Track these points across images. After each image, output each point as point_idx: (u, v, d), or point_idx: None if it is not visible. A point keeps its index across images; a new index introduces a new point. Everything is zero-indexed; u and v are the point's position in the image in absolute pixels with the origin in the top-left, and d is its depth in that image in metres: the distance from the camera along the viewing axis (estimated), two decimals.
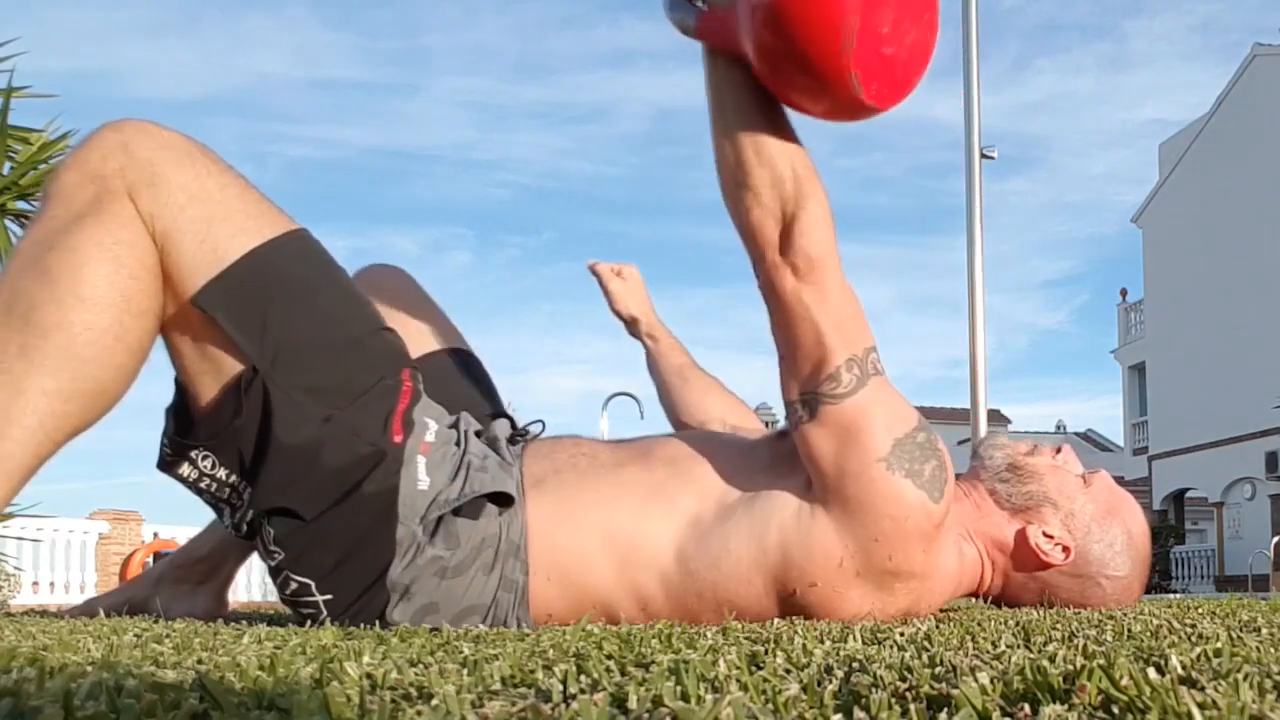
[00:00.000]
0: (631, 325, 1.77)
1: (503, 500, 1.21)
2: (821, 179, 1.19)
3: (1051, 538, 1.35)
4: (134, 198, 1.10)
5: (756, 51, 1.12)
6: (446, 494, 1.18)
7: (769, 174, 1.17)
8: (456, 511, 1.18)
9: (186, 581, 1.57)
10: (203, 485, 1.18)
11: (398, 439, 1.18)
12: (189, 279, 1.12)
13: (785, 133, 1.19)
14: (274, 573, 1.19)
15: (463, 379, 1.53)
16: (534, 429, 1.41)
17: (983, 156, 3.38)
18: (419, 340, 1.54)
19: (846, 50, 1.06)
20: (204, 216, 1.12)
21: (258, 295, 1.13)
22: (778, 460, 1.27)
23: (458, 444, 1.25)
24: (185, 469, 1.17)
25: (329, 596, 1.18)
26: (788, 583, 1.21)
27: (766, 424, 1.76)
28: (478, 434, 1.30)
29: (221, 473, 1.16)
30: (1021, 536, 1.35)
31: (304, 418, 1.13)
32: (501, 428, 1.35)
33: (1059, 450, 1.43)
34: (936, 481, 1.20)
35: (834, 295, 1.18)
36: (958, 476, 1.42)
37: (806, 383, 1.19)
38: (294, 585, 1.18)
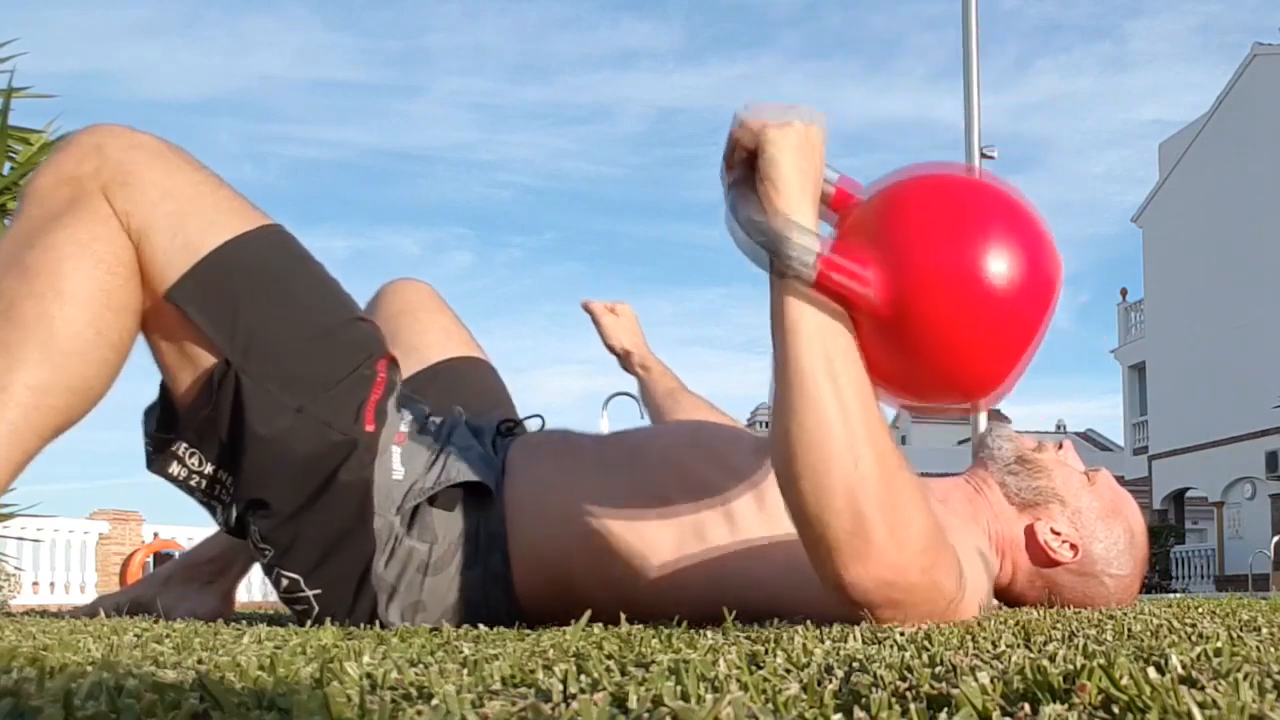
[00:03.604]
0: (625, 359, 1.84)
1: (480, 492, 1.20)
2: None
3: (1059, 535, 1.34)
4: (109, 197, 1.11)
5: (895, 355, 0.98)
6: (422, 483, 1.18)
7: (902, 464, 0.97)
8: (432, 502, 1.18)
9: (195, 580, 1.58)
10: (192, 483, 1.19)
11: (369, 429, 1.17)
12: (163, 274, 1.13)
13: None
14: (266, 570, 1.20)
15: (476, 385, 1.54)
16: (531, 424, 1.41)
17: (983, 156, 3.38)
18: (435, 347, 1.56)
19: (991, 398, 1.05)
20: (177, 212, 1.13)
21: (229, 288, 1.14)
22: None
23: (437, 434, 1.24)
24: (174, 468, 1.18)
25: (318, 592, 1.18)
26: (794, 610, 1.18)
27: (765, 425, 1.76)
28: (466, 424, 1.29)
29: (208, 468, 1.17)
30: (1030, 533, 1.34)
31: (277, 409, 1.13)
32: (490, 420, 1.34)
33: (1060, 446, 1.43)
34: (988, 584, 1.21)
35: (957, 567, 1.03)
36: (962, 473, 1.42)
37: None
38: (285, 582, 1.19)
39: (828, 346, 0.96)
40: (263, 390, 1.13)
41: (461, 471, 1.19)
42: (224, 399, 1.13)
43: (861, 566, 0.95)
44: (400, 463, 1.18)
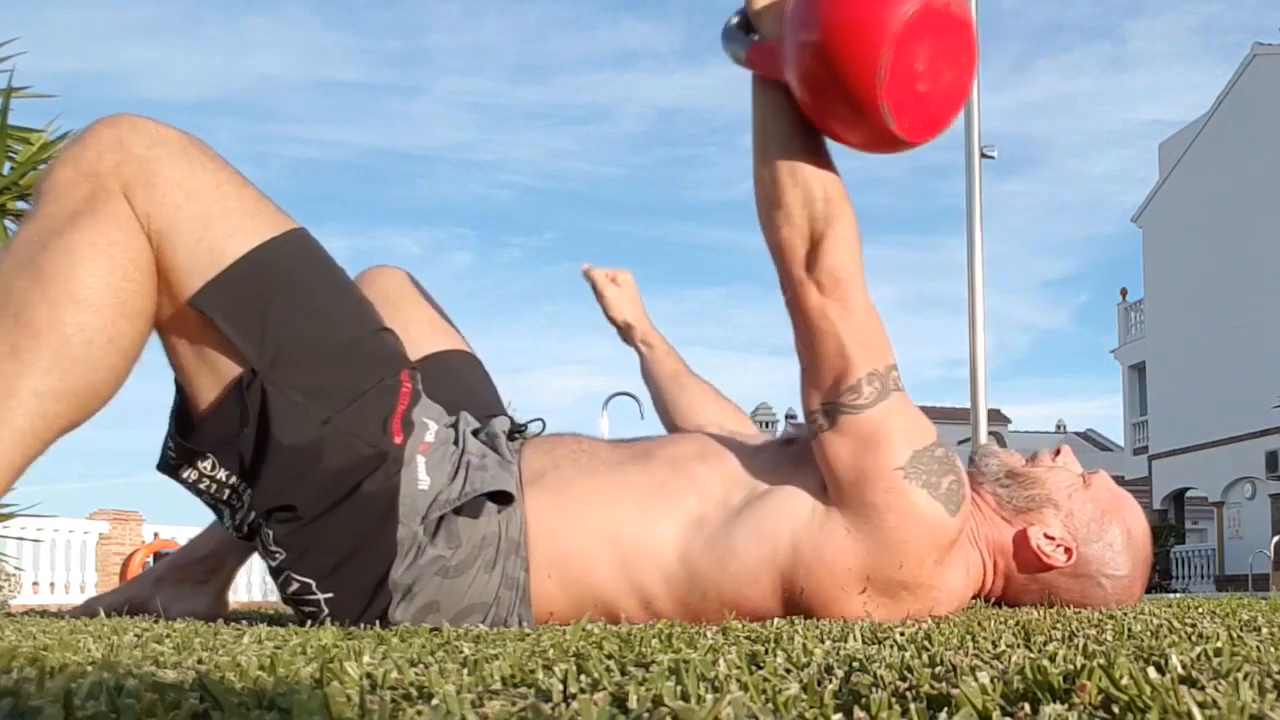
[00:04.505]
0: (625, 331, 1.75)
1: (502, 498, 1.21)
2: (851, 202, 1.23)
3: (1053, 539, 1.34)
4: (129, 196, 1.09)
5: (800, 80, 1.17)
6: (447, 494, 1.17)
7: (801, 195, 1.20)
8: (457, 511, 1.18)
9: (187, 581, 1.56)
10: (202, 486, 1.18)
11: (398, 440, 1.17)
12: (186, 280, 1.11)
13: (820, 158, 1.22)
14: (275, 573, 1.19)
15: (463, 379, 1.53)
16: (533, 427, 1.40)
17: (983, 156, 3.38)
18: (420, 341, 1.53)
19: (880, 83, 1.11)
20: (201, 215, 1.11)
21: (256, 296, 1.12)
22: (783, 464, 1.27)
23: (456, 443, 1.24)
24: (186, 471, 1.17)
25: (330, 595, 1.17)
26: (795, 581, 1.20)
27: (765, 424, 1.75)
28: (475, 432, 1.30)
29: (221, 474, 1.15)
30: (1023, 538, 1.35)
31: (303, 419, 1.12)
32: (500, 425, 1.34)
33: (1058, 452, 1.43)
34: (954, 496, 1.20)
35: (857, 312, 1.20)
36: None
37: (828, 394, 1.21)
38: (295, 585, 1.17)
39: (766, 118, 1.24)
40: (289, 400, 1.11)
41: (485, 481, 1.19)
42: (249, 408, 1.12)
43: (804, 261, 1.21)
44: (425, 473, 1.17)
